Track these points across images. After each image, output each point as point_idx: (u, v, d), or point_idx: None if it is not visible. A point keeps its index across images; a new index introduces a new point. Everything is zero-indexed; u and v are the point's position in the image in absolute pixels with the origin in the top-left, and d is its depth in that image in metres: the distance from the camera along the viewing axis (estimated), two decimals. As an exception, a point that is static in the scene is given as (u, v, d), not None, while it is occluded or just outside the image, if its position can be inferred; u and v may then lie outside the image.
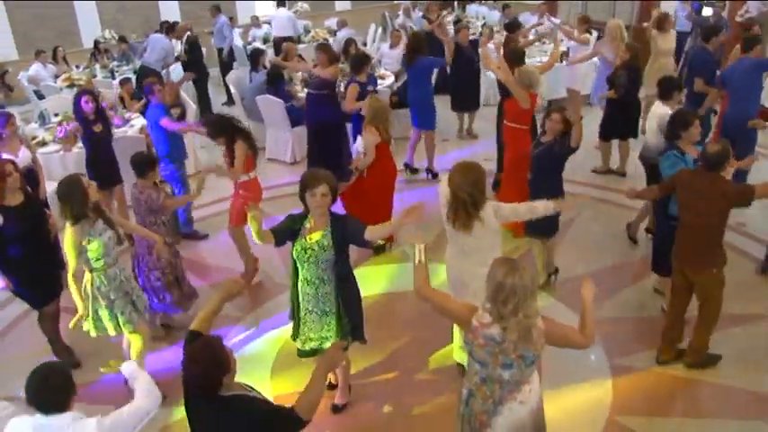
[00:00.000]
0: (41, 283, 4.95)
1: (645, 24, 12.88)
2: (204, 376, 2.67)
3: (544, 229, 5.46)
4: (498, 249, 4.17)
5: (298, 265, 3.92)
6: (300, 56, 10.76)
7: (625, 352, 4.95)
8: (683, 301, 4.74)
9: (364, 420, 4.53)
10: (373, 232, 3.84)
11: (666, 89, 6.00)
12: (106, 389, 4.84)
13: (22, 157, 6.17)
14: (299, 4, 14.40)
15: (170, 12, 14.17)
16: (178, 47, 11.27)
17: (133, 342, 4.56)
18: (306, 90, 8.03)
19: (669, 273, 4.89)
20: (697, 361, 4.73)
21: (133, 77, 10.39)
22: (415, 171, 8.40)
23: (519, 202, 5.86)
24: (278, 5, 12.94)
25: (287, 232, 3.91)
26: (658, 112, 5.81)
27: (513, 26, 9.32)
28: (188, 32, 11.17)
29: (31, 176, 6.12)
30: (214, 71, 12.40)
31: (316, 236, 3.83)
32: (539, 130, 6.26)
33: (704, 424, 4.34)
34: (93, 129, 6.44)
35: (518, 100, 6.35)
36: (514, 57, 7.00)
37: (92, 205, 4.23)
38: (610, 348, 4.99)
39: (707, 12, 10.37)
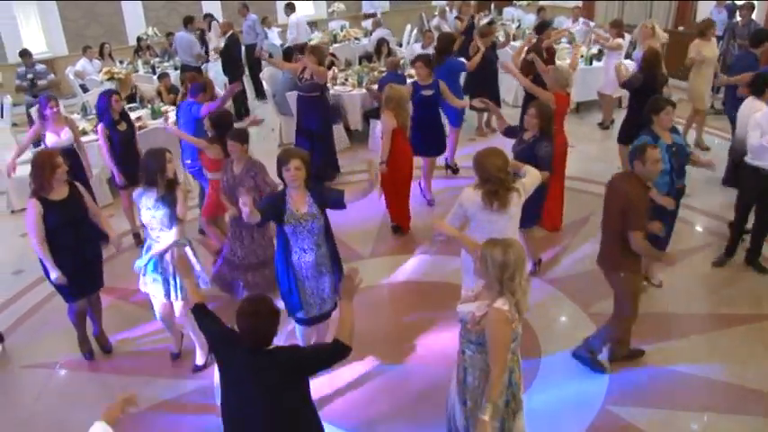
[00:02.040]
0: (71, 278, 4.84)
1: (680, 28, 12.93)
2: (265, 328, 2.98)
3: (525, 219, 5.62)
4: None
5: (291, 238, 4.23)
6: (334, 55, 11.11)
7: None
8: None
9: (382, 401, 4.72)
10: (350, 194, 4.25)
11: (760, 86, 6.06)
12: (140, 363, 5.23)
13: (66, 137, 6.54)
14: (336, 4, 14.69)
15: (212, 10, 14.58)
16: (221, 42, 11.68)
17: None
18: (298, 93, 8.08)
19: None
20: (581, 353, 4.83)
21: (173, 73, 10.83)
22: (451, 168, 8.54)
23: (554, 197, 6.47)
24: (288, 12, 13.14)
25: (270, 211, 4.19)
26: (757, 115, 5.78)
27: (541, 28, 9.42)
28: (231, 31, 11.57)
29: (73, 155, 6.49)
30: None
31: (303, 208, 4.18)
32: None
33: (694, 417, 4.41)
34: (117, 128, 6.70)
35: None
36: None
37: (166, 181, 4.60)
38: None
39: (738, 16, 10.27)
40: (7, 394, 4.90)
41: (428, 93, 7.02)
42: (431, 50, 10.30)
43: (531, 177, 4.49)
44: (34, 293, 6.09)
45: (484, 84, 9.33)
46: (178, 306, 4.86)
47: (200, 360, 5.07)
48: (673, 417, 4.41)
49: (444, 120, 7.87)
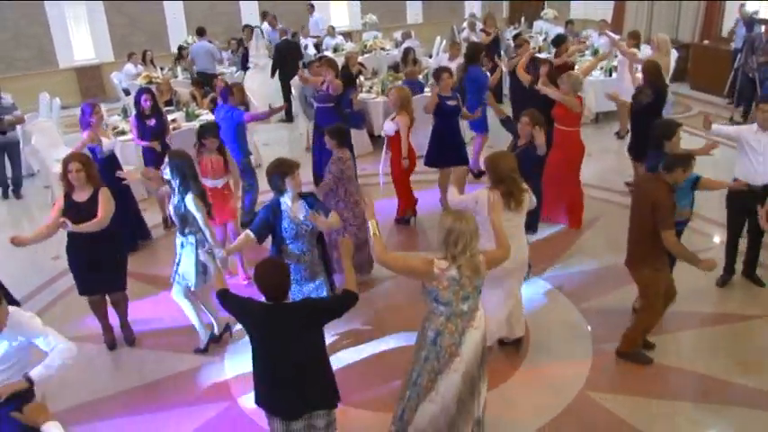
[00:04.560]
0: (82, 275, 5.31)
1: (706, 42, 13.05)
2: (280, 279, 3.49)
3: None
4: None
5: (290, 243, 4.65)
6: (362, 64, 11.55)
7: (611, 339, 5.28)
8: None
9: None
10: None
11: None
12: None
13: (107, 142, 6.97)
14: (368, 15, 15.20)
15: (251, 10, 15.23)
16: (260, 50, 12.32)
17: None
18: (315, 103, 8.41)
19: None
20: (622, 350, 5.06)
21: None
22: (477, 175, 8.65)
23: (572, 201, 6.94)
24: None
25: (267, 227, 4.61)
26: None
27: (558, 42, 9.74)
28: (286, 36, 12.36)
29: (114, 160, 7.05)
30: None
31: (300, 214, 4.61)
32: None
33: (667, 405, 4.66)
34: (146, 123, 7.32)
35: (569, 108, 6.89)
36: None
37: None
38: (598, 334, 5.42)
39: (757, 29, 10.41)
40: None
41: (453, 103, 7.30)
42: (456, 63, 10.72)
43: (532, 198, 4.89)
44: (69, 277, 6.57)
45: (521, 102, 9.57)
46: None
47: (201, 344, 5.44)
48: (647, 403, 4.67)
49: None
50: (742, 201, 5.57)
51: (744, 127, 5.88)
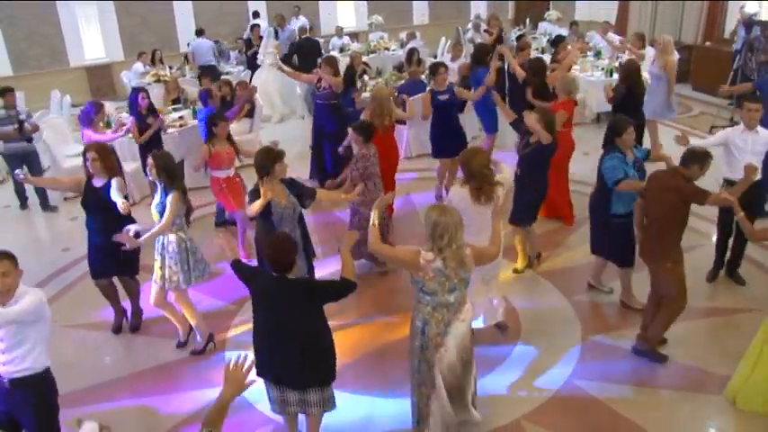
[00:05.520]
0: (92, 257, 5.63)
1: (708, 44, 13.15)
2: (284, 255, 3.73)
3: (523, 218, 6.15)
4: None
5: (277, 225, 4.86)
6: (366, 63, 11.73)
7: (601, 330, 5.50)
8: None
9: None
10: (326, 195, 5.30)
11: None
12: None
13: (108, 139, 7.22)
14: (374, 16, 15.38)
15: (258, 10, 15.45)
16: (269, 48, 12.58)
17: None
18: (316, 100, 8.60)
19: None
20: (643, 347, 5.13)
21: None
22: None
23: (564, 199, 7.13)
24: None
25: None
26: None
27: (556, 42, 9.91)
28: (306, 35, 12.80)
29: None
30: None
31: (283, 199, 4.87)
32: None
33: (654, 393, 4.82)
34: (145, 122, 7.52)
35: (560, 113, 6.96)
36: (536, 69, 7.81)
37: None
38: (588, 326, 5.58)
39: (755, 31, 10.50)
40: (50, 349, 5.59)
41: (444, 97, 7.59)
42: (458, 63, 10.90)
43: (506, 173, 5.03)
44: (78, 268, 6.85)
45: (520, 104, 9.75)
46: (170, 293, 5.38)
47: (198, 346, 5.52)
48: (634, 392, 4.82)
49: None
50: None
51: (728, 129, 6.02)
